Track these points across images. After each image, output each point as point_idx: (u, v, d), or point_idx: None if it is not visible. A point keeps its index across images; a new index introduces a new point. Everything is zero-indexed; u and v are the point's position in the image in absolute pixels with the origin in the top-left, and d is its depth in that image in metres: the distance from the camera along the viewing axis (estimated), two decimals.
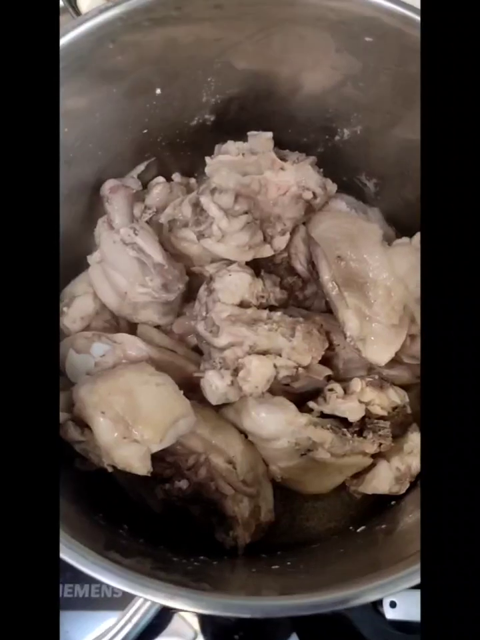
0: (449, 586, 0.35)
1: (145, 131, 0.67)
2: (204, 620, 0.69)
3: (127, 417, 0.53)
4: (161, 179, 0.73)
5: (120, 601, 0.70)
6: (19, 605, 0.33)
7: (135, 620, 0.54)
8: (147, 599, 0.39)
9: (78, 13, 0.81)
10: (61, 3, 0.81)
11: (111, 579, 0.40)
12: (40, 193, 0.38)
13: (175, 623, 0.69)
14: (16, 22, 0.38)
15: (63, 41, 0.51)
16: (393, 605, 0.72)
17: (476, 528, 0.35)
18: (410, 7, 0.52)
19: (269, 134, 0.64)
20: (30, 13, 0.38)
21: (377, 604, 0.73)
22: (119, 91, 0.60)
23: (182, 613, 0.69)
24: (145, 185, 0.73)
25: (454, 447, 0.36)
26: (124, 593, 0.69)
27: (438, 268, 0.37)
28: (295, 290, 0.70)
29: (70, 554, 0.40)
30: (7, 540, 0.34)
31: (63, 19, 0.86)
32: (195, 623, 0.69)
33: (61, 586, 0.70)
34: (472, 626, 0.34)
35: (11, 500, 0.34)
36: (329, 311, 0.67)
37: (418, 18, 0.52)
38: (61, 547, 0.40)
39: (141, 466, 0.52)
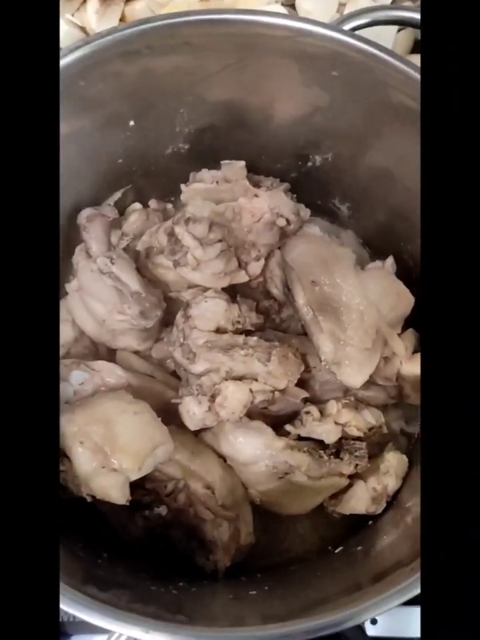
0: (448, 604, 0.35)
1: (120, 161, 0.68)
2: None
3: (105, 447, 0.53)
4: (137, 205, 0.74)
5: None
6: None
7: None
8: (122, 633, 0.40)
9: None
10: None
11: (87, 615, 0.40)
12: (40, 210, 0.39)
13: None
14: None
15: None
16: (373, 621, 0.73)
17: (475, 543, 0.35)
18: (375, 44, 0.54)
19: (242, 163, 0.65)
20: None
21: None
22: (93, 124, 0.62)
23: None
24: (122, 212, 0.74)
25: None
26: None
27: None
28: (271, 313, 0.71)
29: None
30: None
31: None
32: None
33: None
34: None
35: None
36: (305, 333, 0.67)
37: (382, 54, 0.54)
38: None
39: (119, 495, 0.52)
